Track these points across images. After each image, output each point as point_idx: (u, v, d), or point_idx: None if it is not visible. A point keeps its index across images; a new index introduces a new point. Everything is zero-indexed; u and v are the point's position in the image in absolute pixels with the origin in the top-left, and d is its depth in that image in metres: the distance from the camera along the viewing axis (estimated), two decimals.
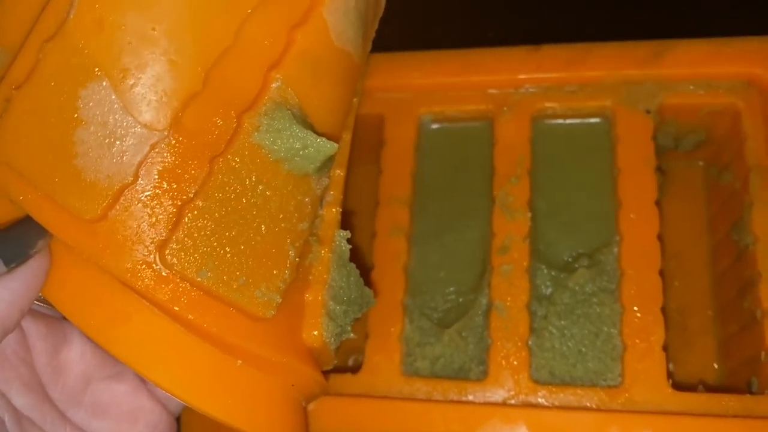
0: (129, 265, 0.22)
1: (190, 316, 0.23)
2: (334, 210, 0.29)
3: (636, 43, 0.36)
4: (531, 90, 0.36)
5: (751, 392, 0.31)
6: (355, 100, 0.31)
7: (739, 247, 0.34)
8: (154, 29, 0.22)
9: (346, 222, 0.30)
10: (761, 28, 0.34)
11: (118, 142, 0.22)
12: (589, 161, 0.35)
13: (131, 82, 0.22)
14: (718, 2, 0.44)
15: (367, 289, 0.30)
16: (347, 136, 0.31)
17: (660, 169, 0.36)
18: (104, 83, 0.22)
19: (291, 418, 0.26)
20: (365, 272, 0.34)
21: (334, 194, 0.29)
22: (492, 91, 0.36)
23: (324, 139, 0.25)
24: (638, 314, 0.31)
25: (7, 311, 0.21)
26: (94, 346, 0.27)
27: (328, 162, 0.26)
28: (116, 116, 0.22)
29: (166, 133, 0.23)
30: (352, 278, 0.29)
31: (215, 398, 0.24)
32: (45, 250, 0.23)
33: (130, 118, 0.22)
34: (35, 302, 0.24)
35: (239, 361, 0.24)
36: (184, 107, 0.23)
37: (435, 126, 0.38)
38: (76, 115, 0.22)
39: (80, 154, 0.22)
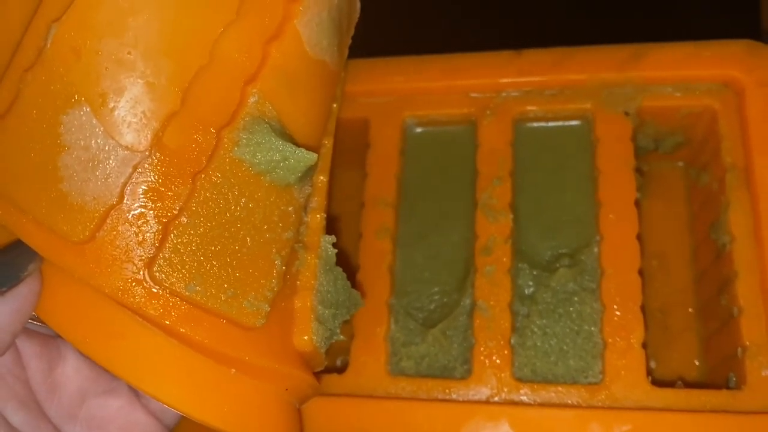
0: (119, 284, 0.23)
1: (182, 330, 0.24)
2: (318, 216, 0.29)
3: (615, 47, 0.36)
4: (513, 94, 0.37)
5: (728, 388, 0.31)
6: (335, 105, 0.32)
7: (718, 246, 0.34)
8: (129, 53, 0.23)
9: (331, 226, 0.30)
10: (736, 32, 0.35)
11: (101, 165, 0.23)
12: (569, 163, 0.36)
13: (111, 106, 0.23)
14: (695, 7, 0.45)
15: (354, 292, 0.30)
16: (329, 142, 0.31)
17: (640, 170, 0.37)
18: (85, 109, 0.23)
19: (286, 422, 0.27)
20: (351, 273, 0.35)
21: (318, 200, 0.30)
22: (474, 95, 0.37)
23: (303, 149, 0.25)
24: (618, 312, 0.32)
25: (0, 334, 0.22)
26: (89, 363, 0.27)
27: (309, 171, 0.26)
28: (98, 140, 0.23)
29: (147, 154, 0.23)
30: (339, 282, 0.30)
31: (211, 407, 0.24)
32: (36, 273, 0.23)
33: (112, 141, 0.23)
34: (29, 321, 0.24)
35: (233, 370, 0.25)
36: (164, 127, 0.23)
37: (419, 129, 0.38)
38: (59, 141, 0.23)
39: (66, 178, 0.23)
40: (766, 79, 0.34)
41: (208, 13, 0.24)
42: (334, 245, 0.30)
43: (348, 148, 0.39)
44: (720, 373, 0.34)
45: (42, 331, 0.27)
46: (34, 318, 0.25)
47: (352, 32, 0.32)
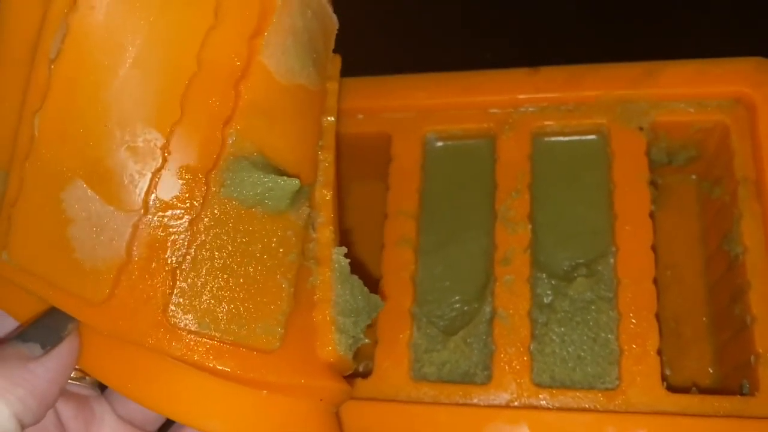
0: (143, 332, 0.25)
1: (208, 363, 0.25)
2: (327, 230, 0.30)
3: (628, 65, 0.38)
4: (530, 109, 0.38)
5: (742, 394, 0.32)
6: (331, 119, 0.32)
7: (730, 257, 0.35)
8: (106, 125, 0.25)
9: (351, 236, 0.31)
10: (747, 50, 0.36)
11: (105, 230, 0.25)
12: (585, 176, 0.37)
13: (101, 176, 0.25)
14: (707, 26, 0.46)
15: (373, 296, 0.31)
16: (329, 157, 0.31)
17: (654, 183, 0.38)
18: (79, 183, 0.25)
19: (327, 430, 0.28)
20: (374, 282, 0.36)
21: (325, 214, 0.31)
22: (493, 110, 0.38)
23: (285, 178, 0.26)
24: (633, 320, 0.33)
25: (47, 388, 0.24)
26: (124, 424, 0.29)
27: (300, 194, 0.27)
28: (97, 208, 0.25)
29: (143, 211, 0.25)
30: (356, 290, 0.30)
31: (252, 429, 0.26)
32: (75, 332, 0.25)
33: (109, 207, 0.25)
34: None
35: (264, 392, 0.26)
36: (154, 184, 0.25)
37: (439, 143, 0.40)
38: (64, 216, 0.25)
39: (77, 248, 0.25)
40: None
41: (170, 71, 0.25)
42: (348, 255, 0.30)
43: (371, 161, 0.40)
44: (733, 381, 0.35)
45: (75, 391, 0.29)
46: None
47: (331, 46, 0.32)
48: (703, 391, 0.35)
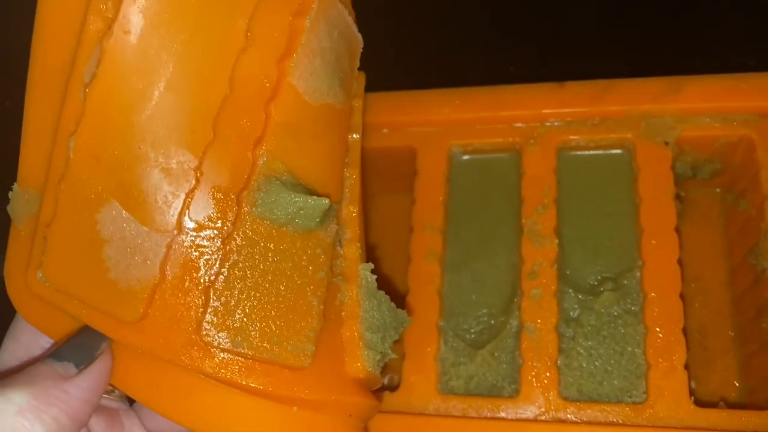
0: (176, 350, 0.25)
1: (240, 381, 0.26)
2: (353, 247, 0.31)
3: (654, 80, 0.38)
4: (556, 123, 0.38)
5: None
6: (356, 136, 0.33)
7: (756, 270, 0.35)
8: (140, 147, 0.25)
9: (377, 250, 0.32)
10: None
11: (139, 250, 0.25)
12: (611, 190, 0.38)
13: (135, 197, 0.25)
14: (731, 40, 0.46)
15: (400, 311, 0.31)
16: (355, 173, 0.32)
17: (679, 197, 0.38)
18: (114, 204, 0.25)
19: None
20: (401, 296, 0.37)
21: (351, 231, 0.31)
22: (518, 124, 0.39)
23: (315, 197, 0.27)
24: (660, 334, 0.33)
25: (81, 407, 0.24)
26: None
27: (328, 213, 0.28)
28: (132, 229, 0.25)
29: (176, 232, 0.25)
30: (383, 305, 0.31)
31: None
32: (107, 351, 0.26)
33: (143, 228, 0.25)
34: None
35: (294, 408, 0.27)
36: (187, 204, 0.25)
37: (465, 157, 0.40)
38: (99, 237, 0.25)
39: (111, 268, 0.25)
40: None
41: (203, 93, 0.26)
42: (374, 270, 0.31)
43: (396, 175, 0.41)
44: (761, 394, 0.35)
45: (105, 404, 0.29)
46: None
47: (357, 64, 0.32)
48: (731, 405, 0.36)
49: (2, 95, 0.51)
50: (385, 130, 0.41)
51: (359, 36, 0.32)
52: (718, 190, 0.41)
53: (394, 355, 0.31)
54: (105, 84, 0.25)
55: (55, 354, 0.25)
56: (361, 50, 0.32)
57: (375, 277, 0.30)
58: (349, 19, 0.31)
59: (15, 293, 0.28)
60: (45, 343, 0.28)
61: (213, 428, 0.26)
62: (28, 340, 0.28)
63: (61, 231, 0.26)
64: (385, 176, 0.41)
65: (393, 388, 0.35)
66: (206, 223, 0.26)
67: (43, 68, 0.27)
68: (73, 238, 0.26)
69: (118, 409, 0.30)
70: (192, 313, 0.25)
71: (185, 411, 0.26)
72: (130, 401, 0.31)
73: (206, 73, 0.26)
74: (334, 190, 0.30)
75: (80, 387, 0.24)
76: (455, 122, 0.40)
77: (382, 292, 0.31)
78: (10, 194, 0.28)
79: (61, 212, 0.26)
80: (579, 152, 0.39)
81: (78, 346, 0.25)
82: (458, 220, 0.39)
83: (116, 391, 0.30)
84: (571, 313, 0.36)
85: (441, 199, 0.39)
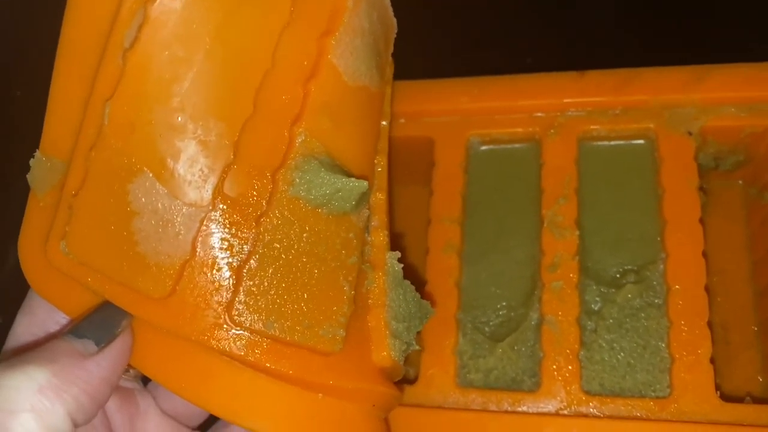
0: (203, 330, 0.24)
1: (267, 364, 0.25)
2: (381, 234, 0.30)
3: (677, 68, 0.37)
4: (576, 113, 0.38)
5: None
6: (384, 123, 0.32)
7: None
8: (179, 117, 0.24)
9: (396, 241, 0.31)
10: None
11: (171, 224, 0.24)
12: (633, 181, 0.37)
13: (170, 169, 0.24)
14: (750, 31, 0.45)
15: (424, 302, 0.31)
16: (383, 161, 0.32)
17: (702, 189, 0.37)
18: (147, 175, 0.24)
19: None
20: (419, 288, 0.36)
21: (379, 218, 0.31)
22: (538, 114, 0.38)
23: (353, 179, 0.26)
24: (685, 328, 0.33)
25: (100, 387, 0.23)
26: (168, 418, 0.29)
27: (364, 197, 0.27)
28: (164, 202, 0.24)
29: (210, 207, 0.24)
30: (409, 295, 0.30)
31: None
32: (128, 329, 0.25)
33: (177, 201, 0.24)
34: None
35: (320, 395, 0.26)
36: (222, 180, 0.25)
37: (483, 148, 0.40)
38: (129, 209, 0.25)
39: (140, 241, 0.25)
40: None
41: (245, 66, 0.25)
42: (400, 260, 0.30)
43: (414, 165, 0.40)
44: None
45: (122, 385, 0.29)
46: None
47: (391, 49, 0.32)
48: (756, 399, 0.35)
49: (13, 85, 0.50)
50: (402, 120, 0.40)
51: (395, 21, 0.32)
52: (740, 182, 0.40)
53: (417, 347, 0.30)
54: (146, 50, 0.24)
55: (74, 331, 0.24)
56: (395, 36, 0.32)
57: (402, 266, 0.30)
58: (387, 2, 0.31)
59: (30, 267, 0.27)
60: (61, 318, 0.27)
61: (235, 412, 0.25)
62: (44, 315, 0.27)
63: (88, 201, 0.25)
64: (402, 167, 0.41)
65: (411, 381, 0.35)
66: (241, 200, 0.25)
67: (76, 32, 0.26)
68: (101, 208, 0.25)
69: (133, 389, 0.29)
70: (222, 292, 0.24)
71: (207, 394, 0.25)
72: (144, 380, 0.30)
73: (249, 46, 0.25)
74: (368, 175, 0.29)
75: (100, 366, 0.23)
76: (473, 112, 0.39)
77: (408, 282, 0.30)
78: (31, 162, 0.27)
79: (90, 181, 0.25)
80: (600, 142, 0.38)
81: (98, 323, 0.25)
82: (477, 211, 0.38)
83: (131, 371, 0.29)
84: (593, 305, 0.35)
85: (459, 190, 0.38)
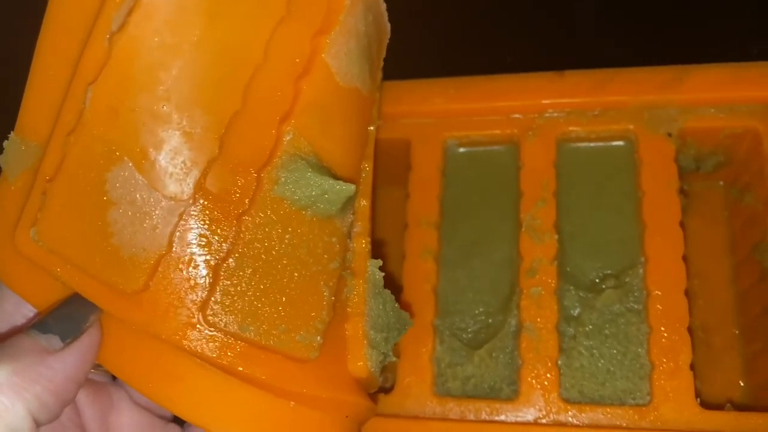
0: (175, 329, 0.23)
1: (240, 368, 0.24)
2: (363, 241, 0.30)
3: (656, 69, 0.36)
4: (555, 114, 0.37)
5: None
6: (371, 128, 0.32)
7: (762, 267, 0.34)
8: (164, 106, 0.23)
9: (376, 248, 0.31)
10: None
11: (148, 217, 0.23)
12: (613, 183, 0.36)
13: (152, 160, 0.23)
14: (733, 30, 0.45)
15: (403, 313, 0.30)
16: (368, 166, 0.31)
17: (683, 191, 0.37)
18: (127, 165, 0.23)
19: None
20: (396, 294, 0.35)
21: (362, 225, 0.30)
22: (516, 115, 0.37)
23: (341, 182, 0.26)
24: (665, 334, 0.32)
25: (65, 385, 0.22)
26: (141, 411, 0.28)
27: (350, 201, 0.26)
28: (143, 193, 0.23)
29: (191, 201, 0.24)
30: (388, 305, 0.30)
31: None
32: (96, 324, 0.24)
33: (156, 194, 0.23)
34: None
35: (292, 403, 0.25)
36: (205, 174, 0.24)
37: (461, 150, 0.39)
38: (105, 198, 0.23)
39: (115, 233, 0.23)
40: None
41: (236, 59, 0.24)
42: (381, 268, 0.30)
43: (390, 168, 0.39)
44: (766, 394, 0.34)
45: (93, 378, 0.27)
46: None
47: (383, 54, 0.32)
48: (736, 405, 0.34)
49: None
50: (378, 122, 0.39)
51: (389, 25, 0.32)
52: (721, 183, 0.40)
53: (394, 358, 0.30)
54: (134, 34, 0.23)
55: (39, 325, 0.23)
56: (388, 40, 0.32)
57: (383, 274, 0.29)
58: (383, 7, 0.30)
59: None
60: (28, 312, 0.26)
61: (203, 416, 0.24)
62: (11, 308, 0.25)
63: (64, 187, 0.24)
64: (378, 169, 0.40)
65: (387, 389, 0.34)
66: (223, 196, 0.24)
67: (61, 12, 0.26)
68: (77, 196, 0.24)
69: (106, 382, 0.28)
70: (197, 290, 0.24)
71: (176, 396, 0.24)
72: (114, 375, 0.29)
73: (242, 39, 0.24)
74: (354, 179, 0.28)
75: (65, 362, 0.22)
76: (450, 113, 0.38)
77: (388, 291, 0.30)
78: (5, 144, 0.26)
79: (66, 167, 0.24)
80: (579, 144, 0.37)
81: (65, 317, 0.23)
82: (454, 215, 0.38)
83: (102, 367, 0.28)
84: (572, 311, 0.35)
85: (436, 193, 0.37)
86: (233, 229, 0.24)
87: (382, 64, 0.32)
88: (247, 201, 0.24)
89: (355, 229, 0.30)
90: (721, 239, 0.39)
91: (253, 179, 0.24)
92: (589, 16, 0.48)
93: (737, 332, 0.37)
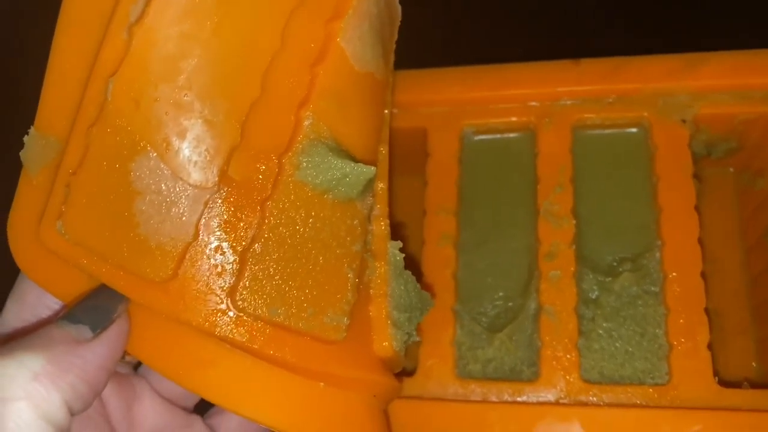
0: (205, 316, 0.24)
1: (269, 352, 0.24)
2: (383, 223, 0.30)
3: (670, 56, 0.37)
4: (570, 102, 0.38)
5: None
6: (386, 112, 0.32)
7: None
8: (186, 95, 0.24)
9: (395, 232, 0.31)
10: None
11: (174, 206, 0.24)
12: (628, 169, 0.37)
13: (176, 149, 0.24)
14: (745, 17, 0.45)
15: (425, 293, 0.31)
16: (384, 149, 0.32)
17: (696, 176, 0.38)
18: (151, 154, 0.24)
19: (379, 428, 0.28)
20: (416, 279, 0.36)
21: (380, 207, 0.30)
22: (533, 103, 0.38)
23: (361, 164, 0.26)
24: (682, 315, 0.33)
25: (97, 374, 0.23)
26: (164, 402, 0.29)
27: (370, 183, 0.27)
28: (168, 183, 0.24)
29: (215, 189, 0.24)
30: (410, 285, 0.30)
31: (307, 423, 0.25)
32: (125, 314, 0.24)
33: (181, 182, 0.24)
34: None
35: (322, 384, 0.25)
36: (228, 161, 0.24)
37: (477, 138, 0.39)
38: (131, 188, 0.24)
39: (142, 223, 0.24)
40: None
41: (254, 46, 0.25)
42: (401, 250, 0.30)
43: (408, 156, 0.40)
44: None
45: (116, 369, 0.28)
46: None
47: (395, 38, 0.32)
48: (752, 385, 0.35)
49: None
50: (395, 111, 0.40)
51: (400, 8, 0.32)
52: (731, 169, 0.40)
53: (418, 338, 0.30)
54: (153, 24, 0.24)
55: (69, 316, 0.23)
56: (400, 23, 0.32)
57: (403, 255, 0.30)
58: None
59: (20, 249, 0.26)
60: (52, 303, 0.26)
61: (237, 401, 0.24)
62: (34, 300, 0.26)
63: (88, 179, 0.24)
64: (396, 158, 0.40)
65: (410, 372, 0.34)
66: (247, 183, 0.24)
67: (78, 5, 0.26)
68: (101, 187, 0.24)
69: (128, 374, 0.29)
70: (225, 276, 0.24)
71: (208, 382, 0.24)
72: (134, 366, 0.30)
73: (258, 27, 0.25)
74: (372, 162, 0.29)
75: (96, 353, 0.23)
76: (467, 101, 0.39)
77: (409, 272, 0.30)
78: (26, 138, 0.26)
79: (90, 160, 0.24)
80: (595, 131, 0.38)
81: (94, 308, 0.24)
82: (472, 202, 0.38)
83: (126, 357, 0.28)
84: (590, 294, 0.35)
85: (454, 181, 0.38)
86: (257, 215, 0.24)
87: (394, 47, 0.32)
88: (269, 187, 0.25)
89: (374, 212, 0.30)
90: (733, 224, 0.39)
91: (275, 165, 0.25)
92: (600, 8, 0.48)
93: (750, 315, 0.38)
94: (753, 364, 0.37)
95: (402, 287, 0.30)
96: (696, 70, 0.36)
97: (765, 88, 0.36)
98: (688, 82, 0.36)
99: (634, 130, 0.37)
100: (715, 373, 0.32)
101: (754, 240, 0.38)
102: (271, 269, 0.24)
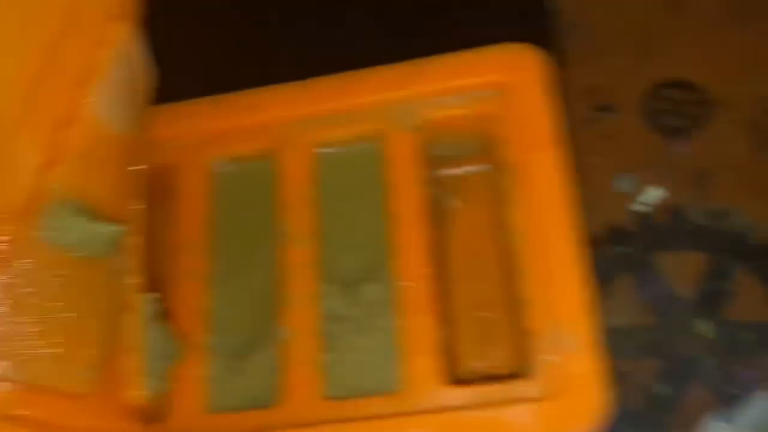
0: None
1: (15, 412, 0.24)
2: (136, 277, 0.31)
3: (398, 65, 0.38)
4: (306, 123, 0.38)
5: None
6: (140, 167, 0.33)
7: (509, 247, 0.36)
8: None
9: (151, 275, 0.32)
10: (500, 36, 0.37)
11: None
12: (367, 183, 0.37)
13: None
14: (477, 18, 0.47)
15: (176, 342, 0.32)
16: (139, 204, 0.32)
17: (439, 180, 0.38)
18: None
19: None
20: (166, 318, 0.36)
21: (134, 262, 0.31)
22: (271, 128, 0.38)
23: (107, 224, 0.27)
24: (414, 321, 0.33)
25: None
26: None
27: (117, 241, 0.28)
28: None
29: None
30: (163, 334, 0.31)
31: None
32: None
33: None
34: None
35: None
36: None
37: (225, 168, 0.39)
38: None
39: None
40: (531, 80, 0.36)
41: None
42: (157, 301, 0.31)
43: (156, 192, 0.39)
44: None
45: None
46: None
47: (149, 97, 0.33)
48: (500, 377, 0.36)
49: None
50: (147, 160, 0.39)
51: (153, 71, 0.33)
52: (480, 167, 0.41)
53: (171, 384, 0.31)
54: None
55: None
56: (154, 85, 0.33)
57: (157, 306, 0.31)
58: (146, 56, 0.32)
59: None
60: None
61: None
62: None
63: None
64: (150, 196, 0.40)
65: (161, 414, 0.34)
66: None
67: None
68: None
69: None
70: None
71: None
72: None
73: (3, 90, 0.24)
74: (123, 218, 0.29)
75: None
76: (211, 132, 0.39)
77: (164, 322, 0.31)
78: None
79: None
80: (333, 149, 0.38)
81: None
82: (222, 233, 0.38)
83: None
84: (334, 310, 0.35)
85: (202, 214, 0.38)
86: (3, 277, 0.24)
87: (149, 107, 0.33)
88: (16, 249, 0.24)
89: (126, 267, 0.30)
90: (486, 220, 0.40)
91: (21, 227, 0.25)
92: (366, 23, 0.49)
93: (507, 309, 0.38)
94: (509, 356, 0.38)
95: (155, 338, 0.31)
96: (420, 76, 0.37)
97: (483, 87, 0.37)
98: (415, 88, 0.37)
99: (370, 144, 0.38)
100: (453, 373, 0.33)
101: (509, 235, 0.39)
102: (17, 331, 0.24)
